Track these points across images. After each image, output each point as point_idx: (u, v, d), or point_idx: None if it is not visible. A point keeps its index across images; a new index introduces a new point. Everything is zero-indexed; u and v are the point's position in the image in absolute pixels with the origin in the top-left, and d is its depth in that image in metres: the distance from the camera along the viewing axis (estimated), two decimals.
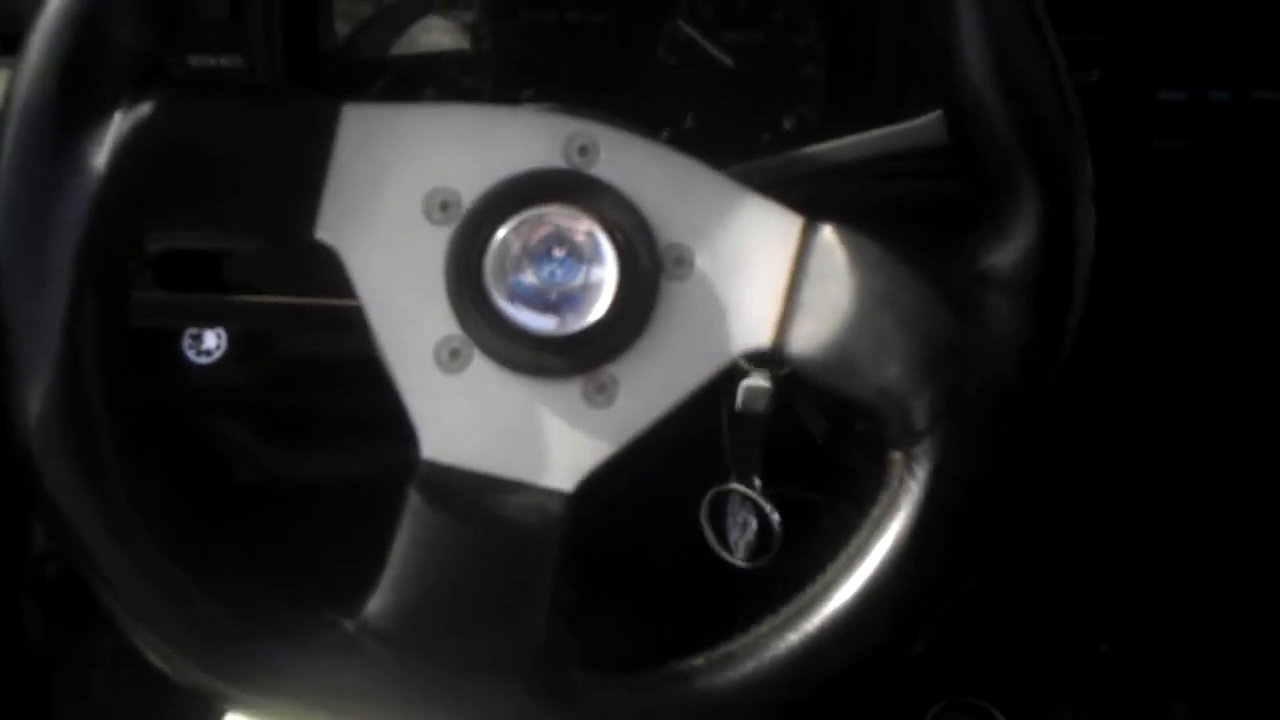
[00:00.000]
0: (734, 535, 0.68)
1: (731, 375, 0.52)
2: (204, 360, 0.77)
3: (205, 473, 0.95)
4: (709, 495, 0.66)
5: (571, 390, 0.49)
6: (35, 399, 0.44)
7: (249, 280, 0.75)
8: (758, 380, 0.62)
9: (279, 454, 0.96)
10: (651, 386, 0.49)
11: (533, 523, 0.48)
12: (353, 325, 0.72)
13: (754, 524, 0.66)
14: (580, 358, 0.49)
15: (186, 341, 0.77)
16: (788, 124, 0.83)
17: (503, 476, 0.48)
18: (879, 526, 0.48)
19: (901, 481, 0.48)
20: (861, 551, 0.48)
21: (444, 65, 0.82)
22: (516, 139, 0.49)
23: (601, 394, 0.49)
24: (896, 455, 0.49)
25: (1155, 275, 0.76)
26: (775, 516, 0.64)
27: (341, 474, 1.00)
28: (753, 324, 0.49)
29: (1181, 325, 0.82)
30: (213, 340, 0.77)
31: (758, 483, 0.64)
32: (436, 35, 0.82)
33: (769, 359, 0.50)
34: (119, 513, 0.45)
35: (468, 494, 0.48)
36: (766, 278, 0.49)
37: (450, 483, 0.48)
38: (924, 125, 0.56)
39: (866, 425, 0.99)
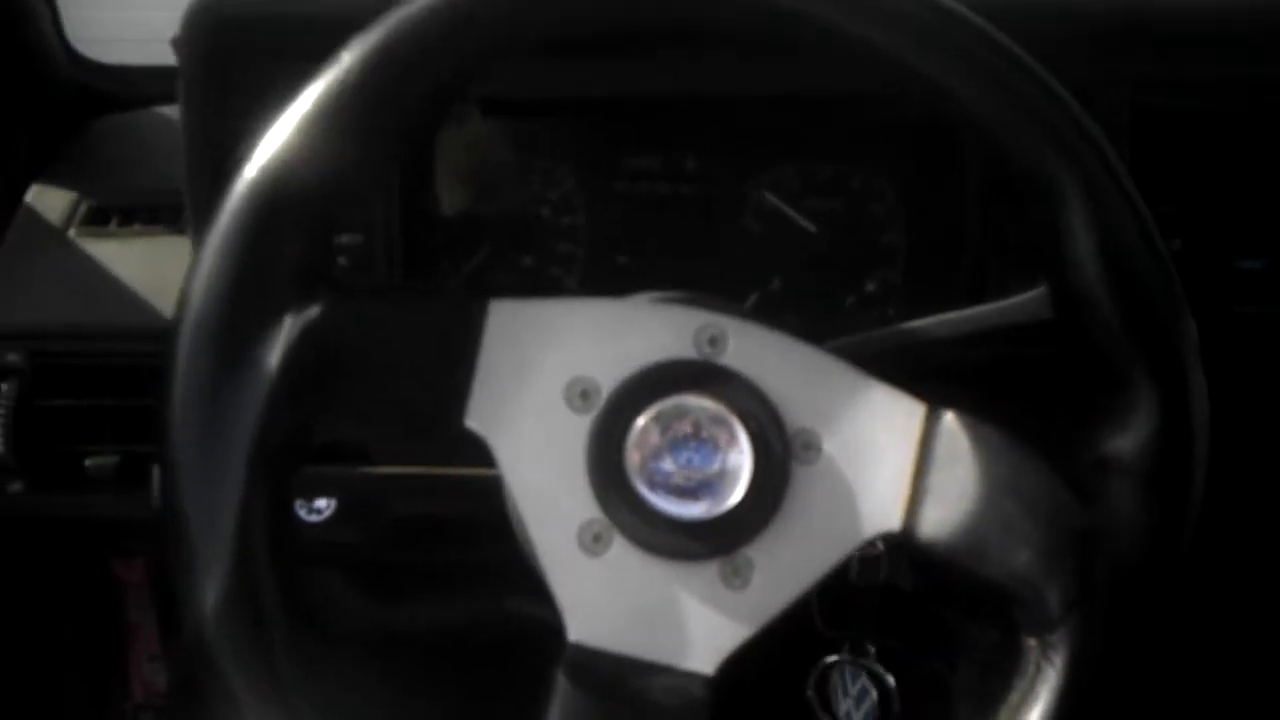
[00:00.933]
0: (844, 706, 0.69)
1: None
2: (314, 519, 0.79)
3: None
4: (819, 667, 0.68)
5: (709, 573, 0.51)
6: (211, 590, 0.47)
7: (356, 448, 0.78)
8: (871, 550, 0.64)
9: (371, 605, 0.98)
10: (786, 568, 0.51)
11: (677, 706, 0.49)
12: (458, 492, 0.75)
13: (873, 693, 0.67)
14: (718, 541, 0.51)
15: (298, 501, 0.79)
16: (870, 288, 0.86)
17: (646, 659, 0.50)
18: (1019, 715, 0.49)
19: (1039, 669, 0.49)
20: None
21: (541, 234, 0.86)
22: (650, 331, 0.52)
23: (738, 576, 0.51)
24: (1032, 642, 0.50)
25: (1241, 439, 0.78)
26: (892, 684, 0.64)
27: (427, 624, 1.02)
28: (882, 507, 0.51)
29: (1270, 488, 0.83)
30: (323, 501, 0.80)
31: (872, 651, 0.65)
32: (534, 206, 0.86)
33: (899, 542, 0.52)
34: (290, 705, 0.47)
35: (613, 676, 0.50)
36: (893, 462, 0.51)
37: (596, 665, 0.50)
38: (1026, 302, 0.58)
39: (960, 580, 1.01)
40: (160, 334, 0.79)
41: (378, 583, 0.98)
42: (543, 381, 0.51)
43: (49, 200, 0.88)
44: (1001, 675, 0.90)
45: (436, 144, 0.83)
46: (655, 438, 0.51)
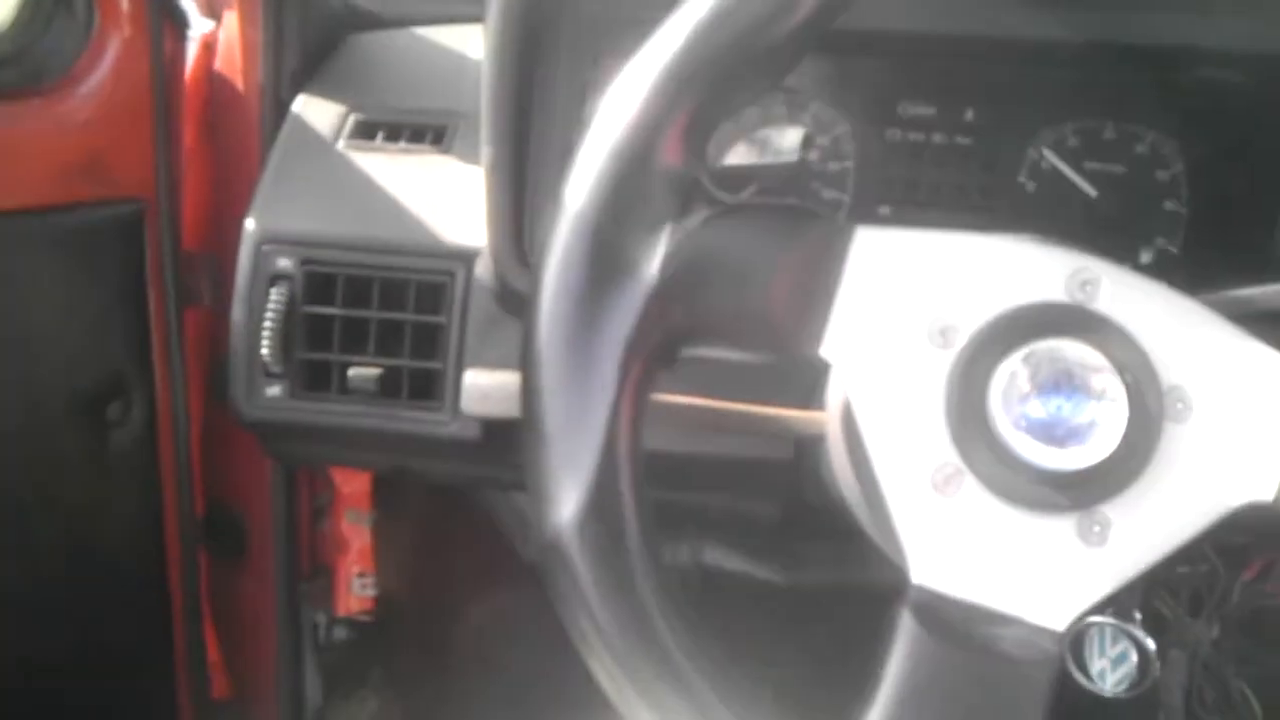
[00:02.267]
0: (1098, 666, 0.67)
1: None
2: None
3: None
4: (1077, 625, 0.66)
5: (1066, 527, 0.48)
6: (572, 494, 0.46)
7: None
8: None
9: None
10: (1146, 530, 0.48)
11: (1029, 658, 0.47)
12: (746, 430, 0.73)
13: (1134, 657, 0.65)
14: (1080, 494, 0.48)
15: None
16: (1145, 257, 0.82)
17: (997, 610, 0.48)
18: None
19: None
20: None
21: (808, 178, 0.84)
22: (1020, 271, 0.50)
23: (1095, 533, 0.48)
24: None
25: None
26: (1152, 646, 0.62)
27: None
28: (1255, 475, 0.48)
29: None
30: None
31: (1137, 615, 0.62)
32: (804, 148, 0.84)
33: (1271, 514, 0.49)
34: (644, 609, 0.46)
35: (962, 623, 0.48)
36: (1271, 428, 0.48)
37: (943, 610, 0.48)
38: None
39: (1184, 569, 0.97)
40: (427, 251, 0.81)
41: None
42: (904, 315, 0.49)
43: (316, 111, 0.89)
44: (1219, 677, 0.86)
45: None
46: (1024, 381, 0.49)
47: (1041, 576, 0.48)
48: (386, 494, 1.08)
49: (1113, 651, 0.70)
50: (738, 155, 0.84)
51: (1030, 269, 0.50)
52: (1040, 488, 0.48)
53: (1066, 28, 0.75)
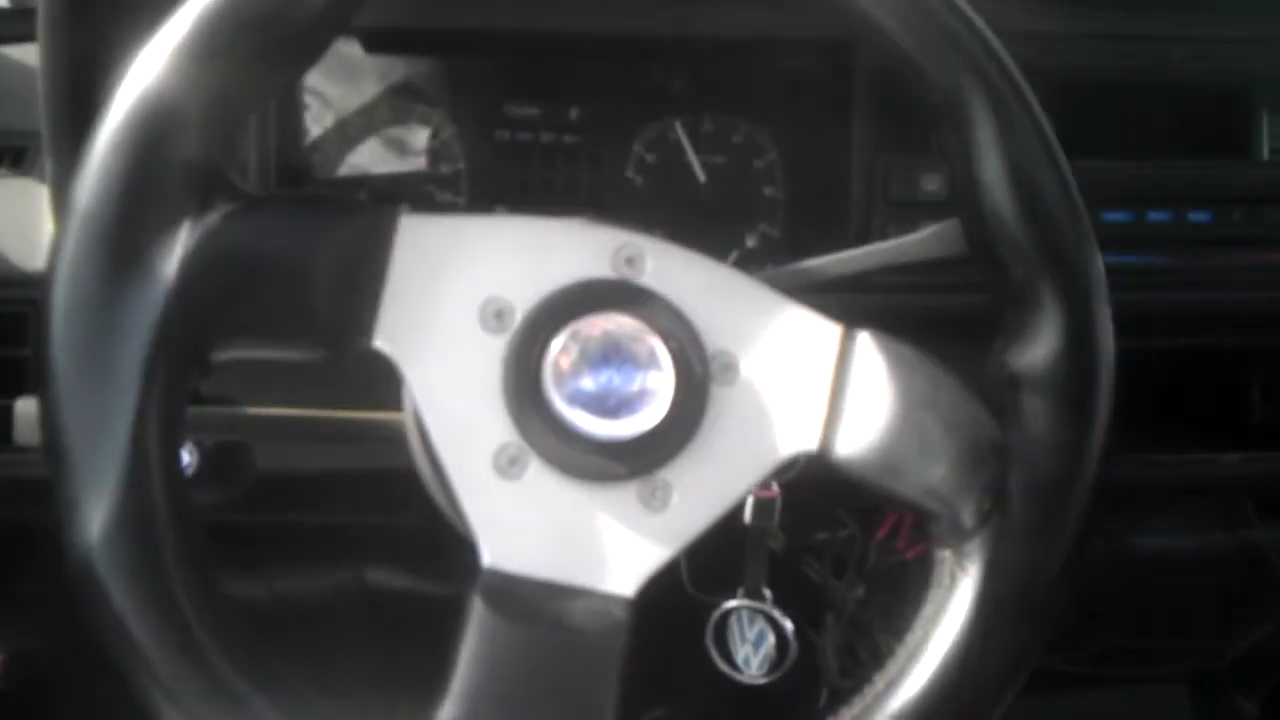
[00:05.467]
0: (742, 652, 0.69)
1: None
2: None
3: None
4: (715, 614, 0.67)
5: (628, 495, 0.50)
6: (98, 512, 0.43)
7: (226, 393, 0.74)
8: (765, 493, 0.64)
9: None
10: (704, 490, 0.50)
11: (598, 628, 0.48)
12: (336, 437, 0.72)
13: (771, 638, 0.67)
14: (637, 462, 0.50)
15: None
16: (751, 242, 0.86)
17: (565, 583, 0.49)
18: (935, 624, 0.50)
19: (954, 578, 0.50)
20: (920, 649, 0.49)
21: (420, 182, 0.83)
22: (567, 250, 0.51)
23: (656, 498, 0.50)
24: (946, 554, 0.50)
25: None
26: (790, 627, 0.64)
27: (284, 594, 0.98)
28: (800, 427, 0.51)
29: None
30: (185, 458, 0.75)
31: (768, 594, 0.65)
32: (413, 154, 0.83)
33: (816, 461, 0.52)
34: (184, 626, 0.44)
35: (531, 601, 0.48)
36: (810, 383, 0.51)
37: (513, 590, 0.48)
38: (935, 236, 0.59)
39: (825, 536, 1.02)
40: (4, 280, 0.75)
41: (234, 550, 0.93)
42: (455, 301, 0.49)
43: None
44: (867, 634, 0.91)
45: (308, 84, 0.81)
46: (574, 357, 0.50)
47: (608, 546, 0.49)
48: (6, 553, 0.99)
49: (751, 634, 0.72)
50: (361, 157, 0.83)
51: (577, 248, 0.51)
52: (599, 459, 0.49)
53: (654, 23, 0.77)
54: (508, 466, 0.49)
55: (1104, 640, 1.04)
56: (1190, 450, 0.87)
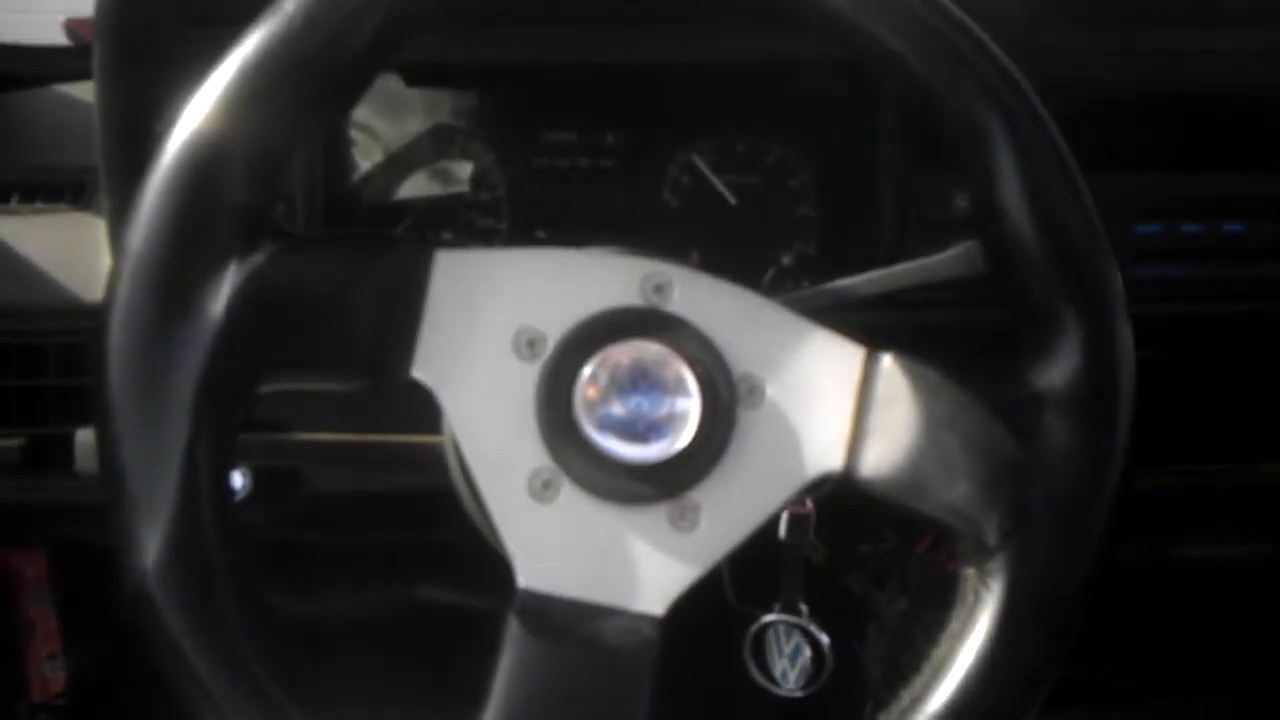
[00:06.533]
0: (779, 666, 0.70)
1: None
2: None
3: None
4: (753, 629, 0.68)
5: (657, 516, 0.51)
6: (152, 540, 0.45)
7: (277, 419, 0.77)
8: (800, 509, 0.65)
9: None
10: (732, 510, 0.52)
11: (629, 646, 0.50)
12: (382, 461, 0.74)
13: (807, 651, 0.68)
14: (666, 484, 0.51)
15: None
16: (786, 261, 0.88)
17: (597, 603, 0.50)
18: (958, 640, 0.51)
19: (977, 595, 0.51)
20: (944, 665, 0.51)
21: (462, 209, 0.85)
22: (596, 279, 0.52)
23: (685, 519, 0.51)
24: (970, 571, 0.52)
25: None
26: (826, 640, 0.66)
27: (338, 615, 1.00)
28: (825, 448, 0.52)
29: None
30: (238, 481, 0.78)
31: (804, 609, 0.66)
32: (456, 182, 0.85)
33: (841, 481, 0.53)
34: (238, 653, 0.46)
35: (564, 620, 0.50)
36: (835, 404, 0.53)
37: (547, 610, 0.50)
38: (958, 256, 0.60)
39: (867, 549, 1.03)
40: (65, 312, 0.78)
41: (287, 571, 0.96)
42: (490, 331, 0.51)
43: None
44: (910, 646, 0.92)
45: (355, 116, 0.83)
46: (604, 383, 0.51)
47: (639, 566, 0.51)
48: (69, 572, 1.03)
49: (788, 648, 0.73)
50: (407, 187, 0.86)
51: (607, 278, 0.53)
52: (629, 482, 0.51)
53: (683, 51, 0.79)
54: (541, 490, 0.51)
55: (1146, 651, 1.03)
56: (1230, 460, 0.87)
